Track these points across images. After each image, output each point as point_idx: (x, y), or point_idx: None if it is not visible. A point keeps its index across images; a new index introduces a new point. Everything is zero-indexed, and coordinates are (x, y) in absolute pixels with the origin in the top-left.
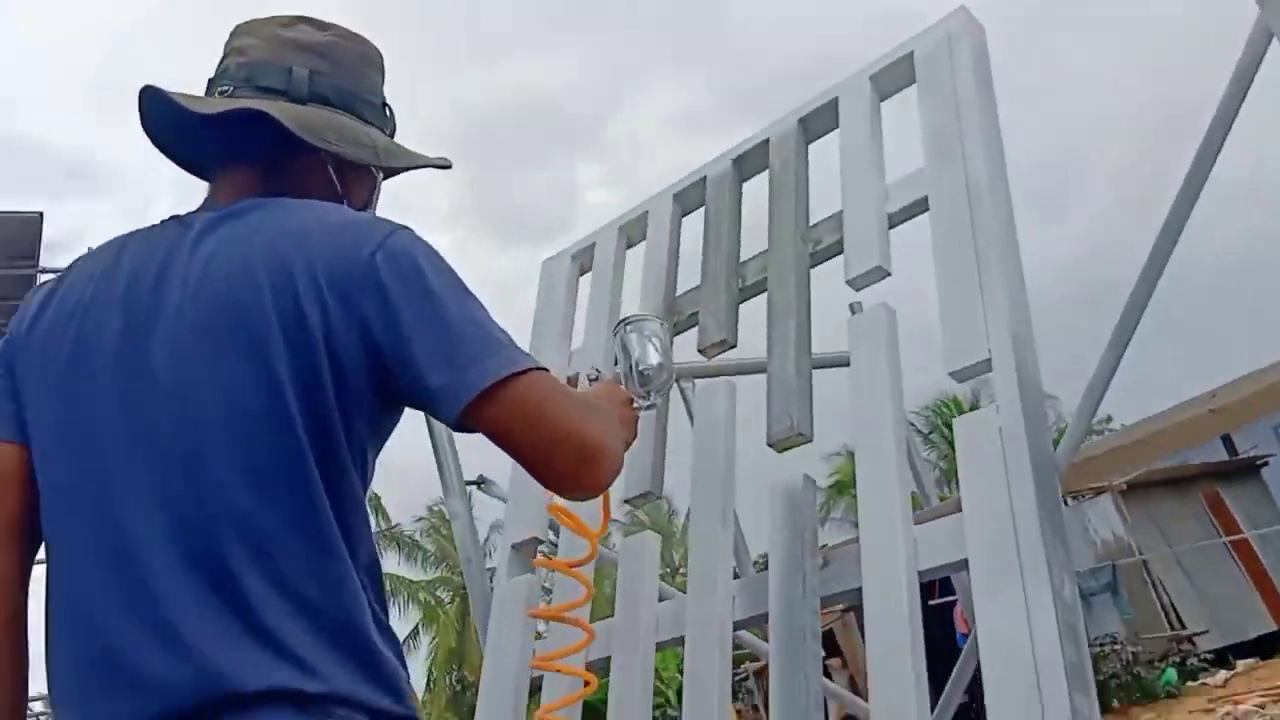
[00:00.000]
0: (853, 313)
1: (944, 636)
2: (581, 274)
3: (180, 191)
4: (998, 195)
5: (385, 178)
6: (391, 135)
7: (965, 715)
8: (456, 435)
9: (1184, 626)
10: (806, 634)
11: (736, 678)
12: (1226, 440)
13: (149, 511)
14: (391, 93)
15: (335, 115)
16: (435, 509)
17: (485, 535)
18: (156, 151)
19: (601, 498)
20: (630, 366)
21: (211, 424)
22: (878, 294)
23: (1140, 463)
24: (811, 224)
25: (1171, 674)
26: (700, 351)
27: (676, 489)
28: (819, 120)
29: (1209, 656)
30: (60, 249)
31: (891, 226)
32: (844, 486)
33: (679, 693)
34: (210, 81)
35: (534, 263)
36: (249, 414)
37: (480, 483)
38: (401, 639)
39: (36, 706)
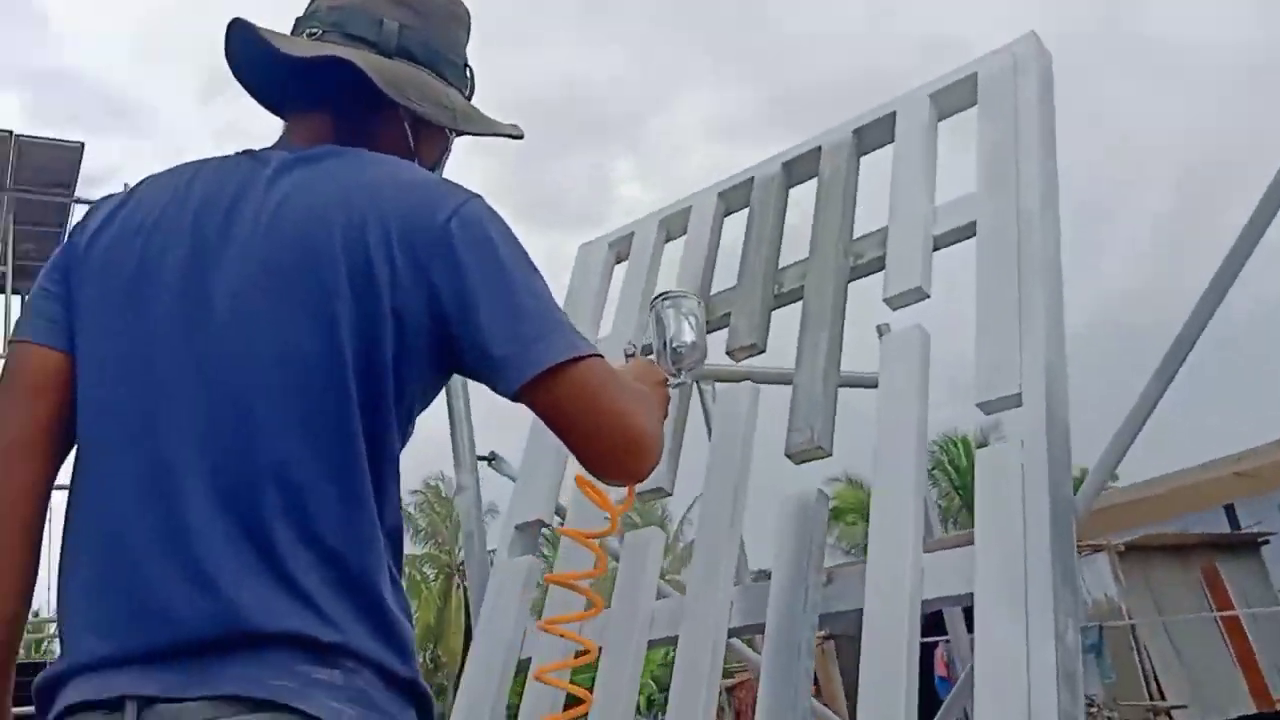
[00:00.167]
0: (880, 334)
1: (922, 676)
2: (618, 262)
3: (219, 142)
4: (1048, 228)
5: (456, 138)
6: (469, 97)
7: None
8: (474, 410)
9: (1164, 698)
10: (801, 649)
11: None
12: (1229, 511)
13: (192, 444)
14: None
15: (419, 72)
16: (432, 484)
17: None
18: (200, 97)
19: (627, 490)
20: (664, 342)
21: (264, 364)
22: (906, 317)
23: (1150, 519)
24: (855, 237)
25: None
26: (728, 353)
27: (676, 490)
28: (874, 133)
29: None
30: (95, 182)
31: (936, 249)
32: (840, 513)
33: (649, 700)
34: (298, 20)
35: (562, 248)
36: (303, 359)
37: (491, 459)
38: None
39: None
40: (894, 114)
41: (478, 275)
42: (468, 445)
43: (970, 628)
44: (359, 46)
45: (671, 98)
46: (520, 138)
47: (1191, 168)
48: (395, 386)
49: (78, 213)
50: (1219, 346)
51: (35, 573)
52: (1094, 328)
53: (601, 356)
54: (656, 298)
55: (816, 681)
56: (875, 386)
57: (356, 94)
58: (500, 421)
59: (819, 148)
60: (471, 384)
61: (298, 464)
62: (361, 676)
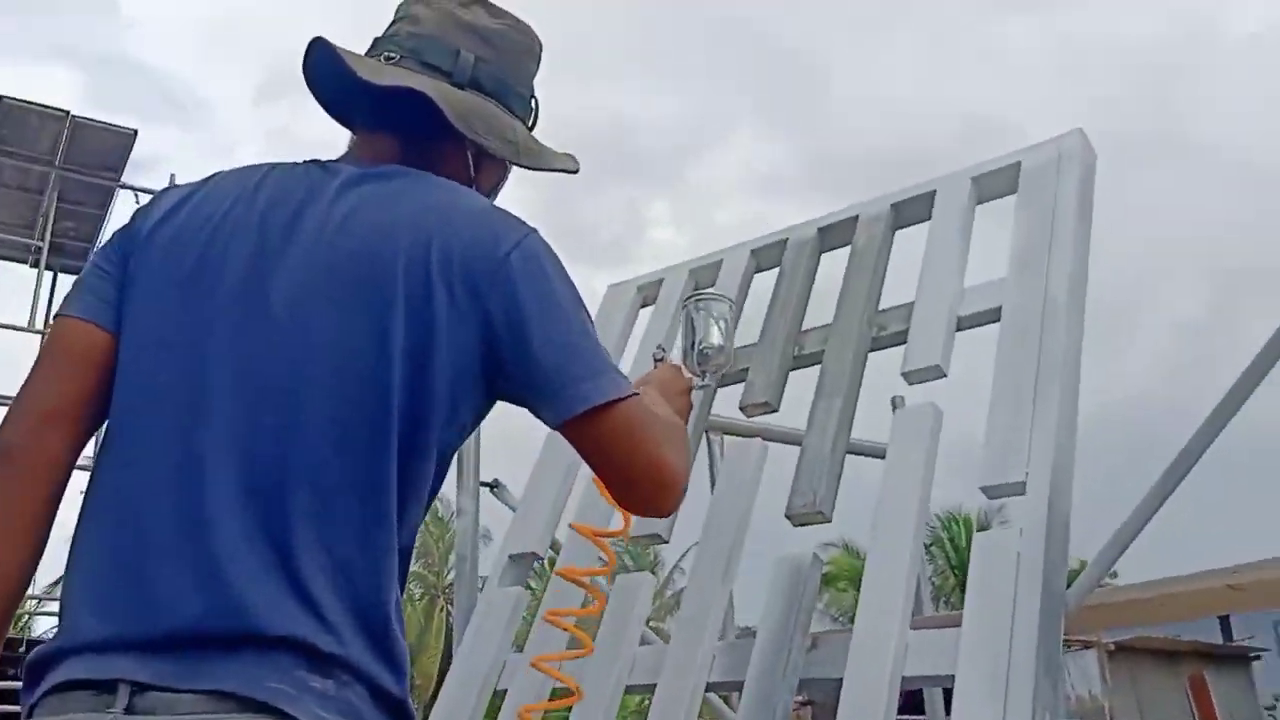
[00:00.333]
0: (894, 406)
1: None
2: (644, 306)
3: (270, 143)
4: (1072, 324)
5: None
6: (532, 127)
7: None
8: (483, 435)
9: None
10: (778, 711)
11: None
12: (1224, 622)
13: (226, 438)
14: None
15: (487, 104)
16: None
17: None
18: (256, 98)
19: (623, 519)
20: (693, 343)
21: (313, 371)
22: (922, 393)
23: (1139, 621)
24: (881, 308)
25: None
26: (741, 408)
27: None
28: (912, 208)
29: None
30: (141, 168)
31: (959, 329)
32: (832, 579)
33: None
34: (377, 41)
35: (588, 281)
36: (352, 371)
37: (494, 486)
38: None
39: None
40: (934, 192)
41: (534, 309)
42: (473, 470)
43: (949, 710)
44: (434, 75)
45: (715, 147)
46: (575, 172)
47: (1223, 276)
48: (439, 408)
49: (122, 197)
50: (1225, 460)
51: (46, 542)
52: (1102, 422)
53: (639, 395)
54: (689, 298)
55: None
56: (883, 457)
57: (426, 121)
58: (508, 450)
59: (856, 216)
60: None
61: (329, 471)
62: (353, 690)
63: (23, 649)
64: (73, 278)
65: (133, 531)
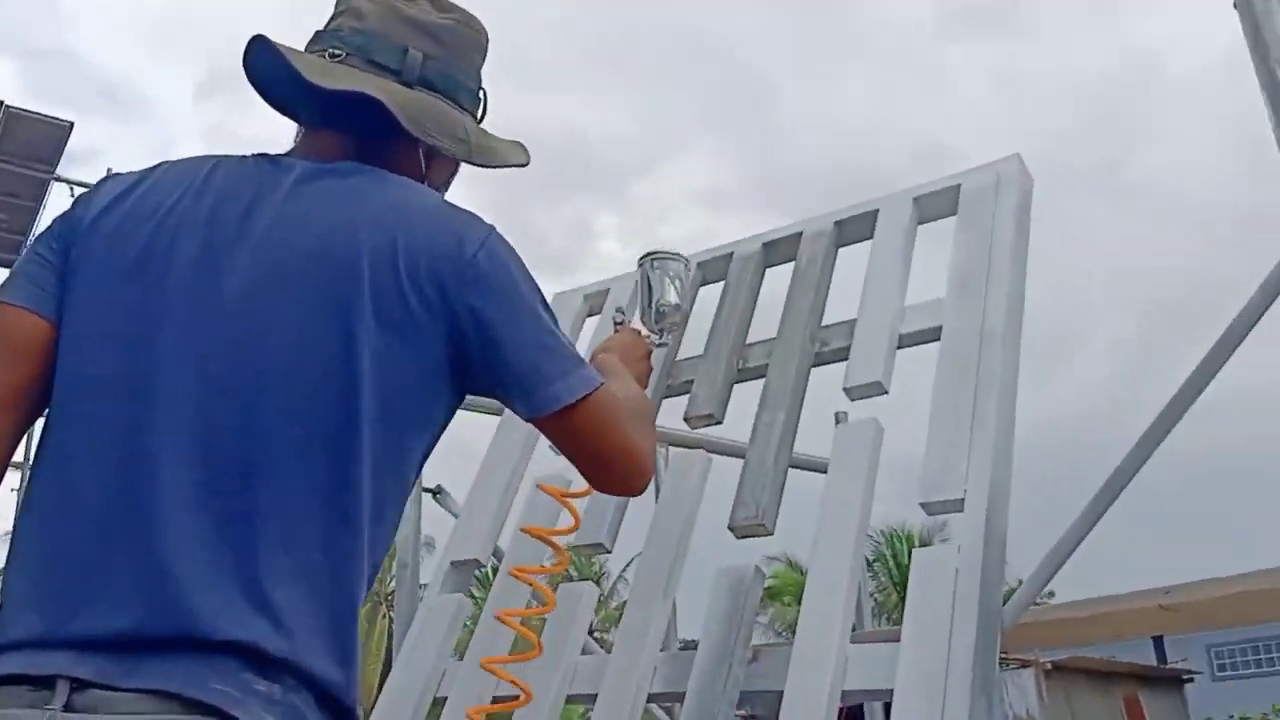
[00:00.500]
0: (837, 422)
1: None
2: (590, 315)
3: (208, 140)
4: (1009, 344)
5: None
6: (481, 119)
7: None
8: None
9: None
10: None
11: None
12: (1158, 643)
13: (181, 433)
14: None
15: (438, 103)
16: None
17: None
18: (197, 95)
19: (573, 519)
20: (650, 302)
21: (273, 367)
22: (862, 408)
23: (1071, 640)
24: (824, 324)
25: None
26: (685, 420)
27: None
28: (855, 227)
29: None
30: (77, 161)
31: (900, 347)
32: (776, 593)
33: None
34: (319, 34)
35: None
36: (315, 370)
37: (437, 492)
38: None
39: None
40: (876, 211)
41: (502, 310)
42: None
43: None
44: (381, 74)
45: (664, 161)
46: (526, 164)
47: (1154, 305)
48: (409, 408)
49: (56, 190)
50: (1156, 482)
51: None
52: (1038, 443)
53: (606, 385)
54: (644, 257)
55: None
56: (825, 471)
57: (376, 120)
58: (451, 456)
59: (800, 233)
60: None
61: (290, 472)
62: (300, 696)
63: None
64: (4, 271)
65: (77, 528)
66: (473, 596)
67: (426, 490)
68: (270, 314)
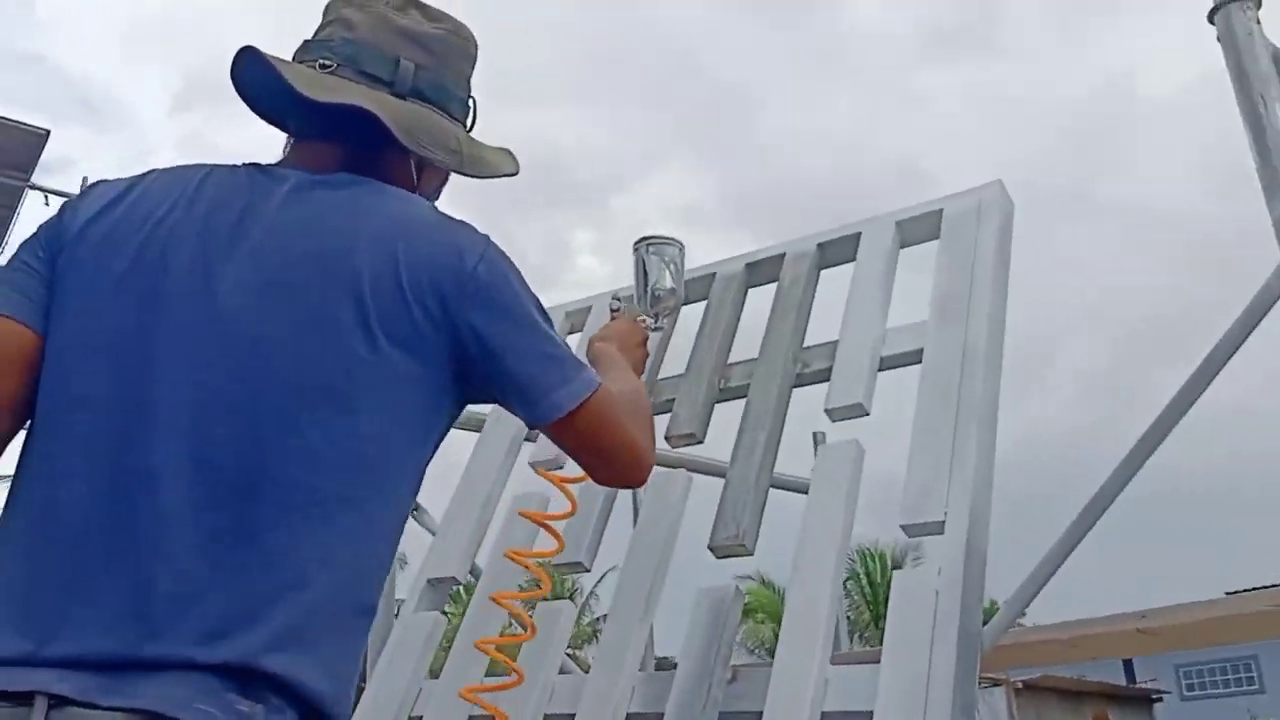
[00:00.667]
0: (815, 442)
1: None
2: (570, 332)
3: (183, 150)
4: (990, 368)
5: None
6: (470, 128)
7: None
8: None
9: None
10: None
11: None
12: (1127, 665)
13: (175, 448)
14: None
15: (430, 113)
16: None
17: None
18: (173, 105)
19: (557, 543)
20: (645, 287)
21: (271, 380)
22: (840, 427)
23: (1052, 660)
24: (805, 345)
25: None
26: (666, 439)
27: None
28: (838, 249)
29: None
30: (51, 170)
31: (882, 369)
32: (750, 611)
33: None
34: (307, 44)
35: None
36: (314, 382)
37: (413, 509)
38: None
39: None
40: (859, 234)
41: (503, 321)
42: None
43: None
44: (373, 85)
45: (641, 177)
46: (515, 174)
47: (1129, 326)
48: (410, 421)
49: (31, 198)
50: (1134, 504)
51: None
52: (1014, 463)
53: (604, 387)
54: (639, 241)
55: None
56: (804, 491)
57: (368, 131)
58: (428, 471)
59: (783, 254)
60: None
61: (291, 486)
62: (285, 716)
63: None
64: None
65: (63, 545)
66: (446, 614)
67: None
68: (267, 326)
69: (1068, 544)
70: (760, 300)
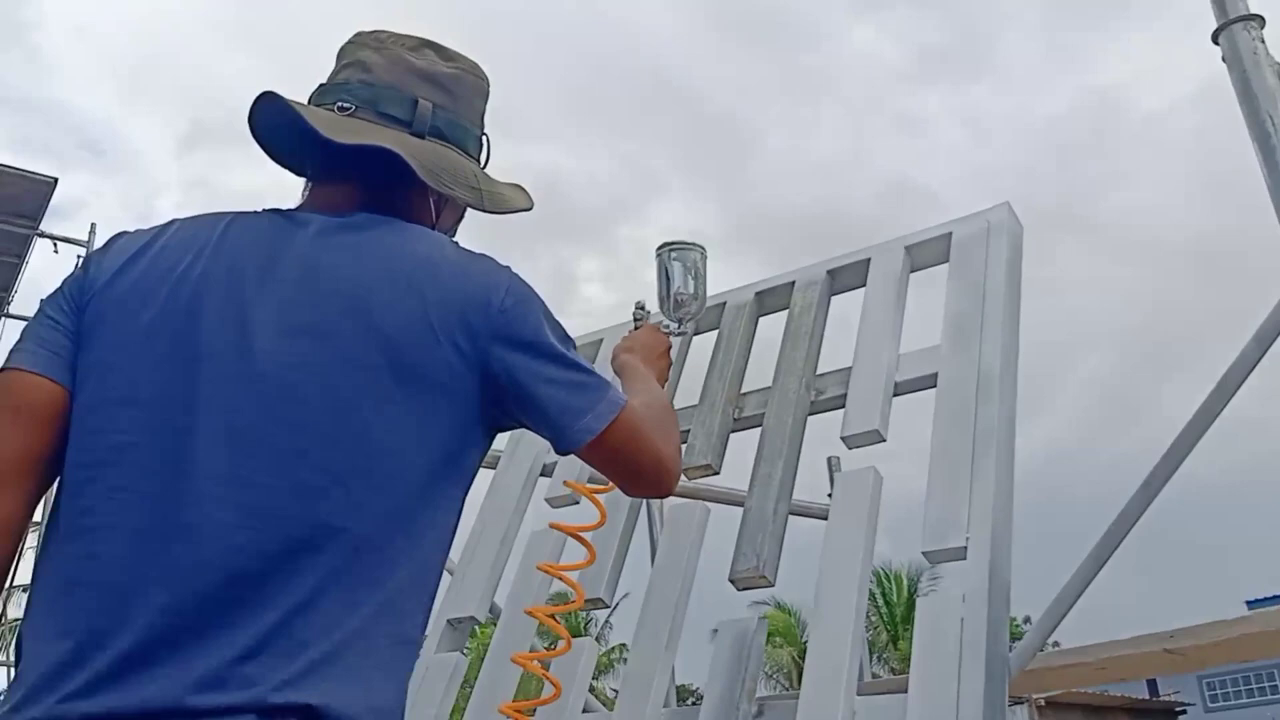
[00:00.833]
0: (829, 466)
1: None
2: None
3: (188, 193)
4: (1006, 391)
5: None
6: (485, 164)
7: None
8: None
9: None
10: None
11: None
12: (1150, 680)
13: (220, 499)
14: None
15: (448, 152)
16: None
17: None
18: (178, 148)
19: (577, 594)
20: (668, 291)
21: (311, 428)
22: (857, 452)
23: (1078, 683)
24: (818, 372)
25: None
26: (682, 470)
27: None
28: (848, 275)
29: None
30: (59, 214)
31: (896, 394)
32: (766, 635)
33: None
34: (324, 89)
35: None
36: (353, 428)
37: None
38: None
39: None
40: (868, 260)
41: (533, 353)
42: None
43: None
44: (392, 126)
45: (645, 206)
46: (530, 209)
47: (1129, 343)
48: (445, 460)
49: (39, 246)
50: (1158, 521)
51: None
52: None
53: (630, 404)
54: (661, 247)
55: None
56: (819, 517)
57: (387, 171)
58: None
59: (793, 282)
60: None
61: (335, 534)
62: None
63: None
64: None
65: (104, 601)
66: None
67: None
68: (300, 373)
69: (1092, 567)
70: (772, 328)
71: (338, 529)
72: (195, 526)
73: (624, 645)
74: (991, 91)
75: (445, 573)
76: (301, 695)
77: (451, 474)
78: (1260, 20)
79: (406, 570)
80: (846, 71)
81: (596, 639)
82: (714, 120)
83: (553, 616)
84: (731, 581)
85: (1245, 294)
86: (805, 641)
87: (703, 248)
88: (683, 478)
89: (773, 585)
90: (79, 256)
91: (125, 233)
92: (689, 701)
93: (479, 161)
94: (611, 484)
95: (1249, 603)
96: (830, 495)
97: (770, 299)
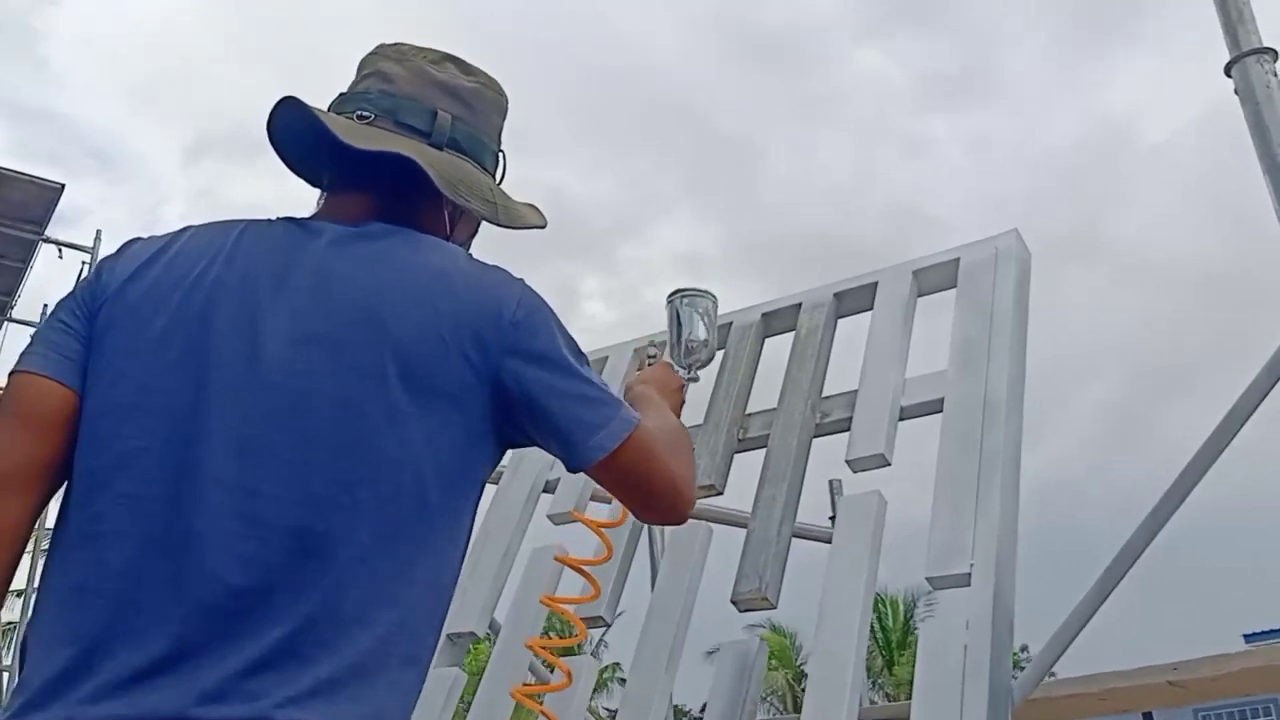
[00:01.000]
0: (831, 489)
1: None
2: None
3: (193, 203)
4: (1012, 417)
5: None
6: (500, 180)
7: None
8: None
9: None
10: None
11: None
12: (1146, 714)
13: (227, 508)
14: None
15: (465, 164)
16: None
17: None
18: (184, 158)
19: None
20: (679, 338)
21: (319, 438)
22: (862, 476)
23: (1080, 714)
24: (824, 395)
25: None
26: None
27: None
28: (855, 299)
29: None
30: (65, 221)
31: (902, 419)
32: None
33: None
34: (344, 97)
35: None
36: (362, 438)
37: None
38: None
39: None
40: (876, 283)
41: (545, 368)
42: None
43: None
44: (411, 136)
45: (648, 225)
46: (544, 227)
47: (1138, 370)
48: (455, 472)
49: (45, 251)
50: (1160, 551)
51: None
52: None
53: (644, 423)
54: (674, 294)
55: None
56: (820, 539)
57: (404, 180)
58: None
59: (799, 304)
60: None
61: (343, 543)
62: None
63: None
64: None
65: (111, 608)
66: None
67: None
68: (311, 382)
69: (1096, 598)
70: (778, 349)
71: (345, 540)
72: (203, 536)
73: (618, 665)
74: (998, 116)
75: None
76: (306, 714)
77: (461, 487)
78: (1273, 54)
79: (419, 587)
80: (854, 94)
81: (592, 654)
82: (720, 141)
83: (552, 651)
84: (734, 603)
85: (1256, 322)
86: (800, 665)
87: (714, 295)
88: None
89: (774, 607)
90: (84, 263)
91: (139, 239)
92: None
93: (494, 177)
94: (618, 518)
95: (1246, 636)
96: (832, 518)
97: (777, 320)
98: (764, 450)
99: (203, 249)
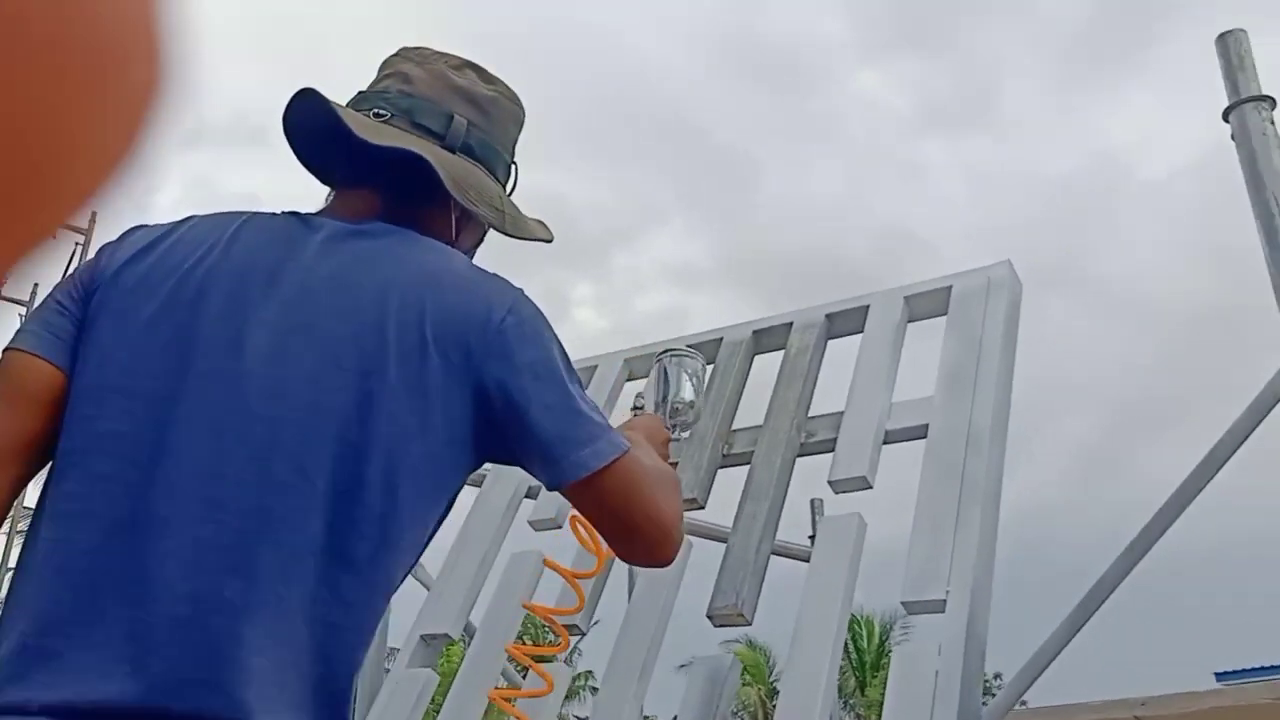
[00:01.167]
0: (813, 508)
1: None
2: None
3: (187, 191)
4: (995, 448)
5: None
6: (511, 191)
7: None
8: None
9: None
10: None
11: None
12: None
13: (190, 498)
14: None
15: (476, 170)
16: None
17: None
18: (180, 145)
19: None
20: (664, 397)
21: (288, 424)
22: (842, 497)
23: None
24: (810, 415)
25: None
26: None
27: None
28: (845, 321)
29: None
30: None
31: (886, 443)
32: None
33: None
34: (363, 95)
35: None
36: (331, 428)
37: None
38: None
39: None
40: (867, 306)
41: (530, 377)
42: None
43: None
44: (425, 137)
45: (641, 235)
46: (550, 241)
47: (1117, 405)
48: (427, 475)
49: None
50: (1135, 587)
51: None
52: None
53: (632, 451)
54: (663, 353)
55: None
56: (798, 558)
57: (413, 181)
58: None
59: (790, 323)
60: None
61: (298, 530)
62: None
63: None
64: None
65: (69, 588)
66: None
67: None
68: (290, 370)
69: (1070, 629)
70: (767, 368)
71: (298, 527)
72: (166, 520)
73: (591, 673)
74: (996, 143)
75: (423, 587)
76: (258, 701)
77: (427, 494)
78: (1271, 101)
79: (361, 590)
80: (851, 116)
81: (566, 661)
82: (716, 155)
83: (534, 658)
84: (709, 617)
85: (1241, 365)
86: (773, 681)
87: (703, 357)
88: None
89: (750, 623)
90: (77, 244)
91: (142, 226)
92: None
93: (505, 188)
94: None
95: (1218, 675)
96: (811, 537)
97: (767, 338)
98: (748, 466)
99: (201, 238)
